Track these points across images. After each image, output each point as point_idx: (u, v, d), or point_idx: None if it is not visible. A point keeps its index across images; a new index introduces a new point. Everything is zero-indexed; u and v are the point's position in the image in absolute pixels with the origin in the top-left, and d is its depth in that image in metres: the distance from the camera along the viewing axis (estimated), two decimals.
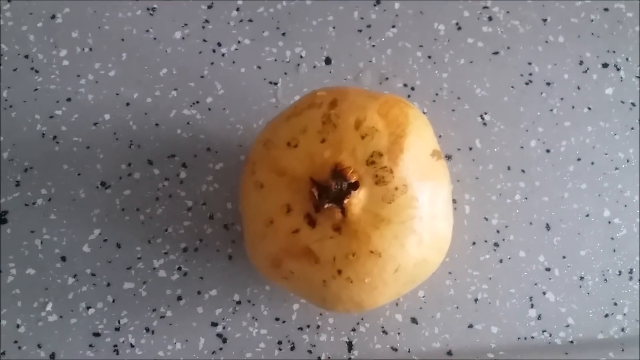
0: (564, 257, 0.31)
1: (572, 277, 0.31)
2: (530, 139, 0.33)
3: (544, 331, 0.30)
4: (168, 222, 0.31)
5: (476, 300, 0.30)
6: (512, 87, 0.33)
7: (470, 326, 0.30)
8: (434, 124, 0.30)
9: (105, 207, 0.31)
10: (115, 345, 0.30)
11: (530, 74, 0.34)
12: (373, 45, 0.34)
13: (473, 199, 0.32)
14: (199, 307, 0.30)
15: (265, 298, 0.30)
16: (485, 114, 0.33)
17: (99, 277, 0.30)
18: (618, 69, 0.34)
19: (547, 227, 0.31)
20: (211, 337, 0.30)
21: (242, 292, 0.30)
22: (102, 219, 0.31)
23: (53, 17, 0.34)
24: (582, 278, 0.31)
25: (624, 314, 0.30)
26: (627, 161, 0.32)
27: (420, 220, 0.23)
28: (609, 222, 0.31)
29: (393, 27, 0.34)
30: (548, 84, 0.33)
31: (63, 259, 0.31)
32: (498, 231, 0.31)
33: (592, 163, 0.32)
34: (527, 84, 0.33)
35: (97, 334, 0.30)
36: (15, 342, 0.30)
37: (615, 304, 0.30)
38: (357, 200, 0.22)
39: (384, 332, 0.30)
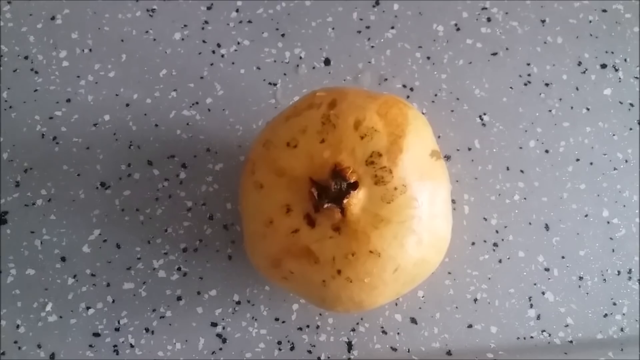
0: (563, 257, 0.31)
1: (571, 277, 0.31)
2: (529, 139, 0.33)
3: (543, 331, 0.30)
4: (168, 222, 0.31)
5: (475, 300, 0.30)
6: (511, 87, 0.33)
7: (470, 326, 0.30)
8: (433, 124, 0.30)
9: (105, 207, 0.31)
10: (115, 346, 0.30)
11: (529, 75, 0.34)
12: (372, 46, 0.34)
13: (472, 199, 0.32)
14: (199, 307, 0.30)
15: (264, 298, 0.30)
16: (484, 114, 0.33)
17: (98, 277, 0.30)
18: (616, 70, 0.34)
19: (546, 227, 0.31)
20: (211, 337, 0.30)
21: (241, 293, 0.30)
22: (102, 220, 0.31)
23: (53, 18, 0.34)
24: (581, 278, 0.31)
25: (623, 314, 0.30)
26: (626, 161, 0.32)
27: (420, 220, 0.23)
28: (608, 222, 0.32)
29: (392, 28, 0.34)
30: (547, 84, 0.33)
31: (63, 259, 0.31)
32: (497, 231, 0.31)
33: (591, 163, 0.32)
34: (525, 84, 0.33)
35: (97, 334, 0.30)
36: (15, 342, 0.30)
37: (615, 303, 0.31)
38: (357, 200, 0.22)
39: (384, 332, 0.30)
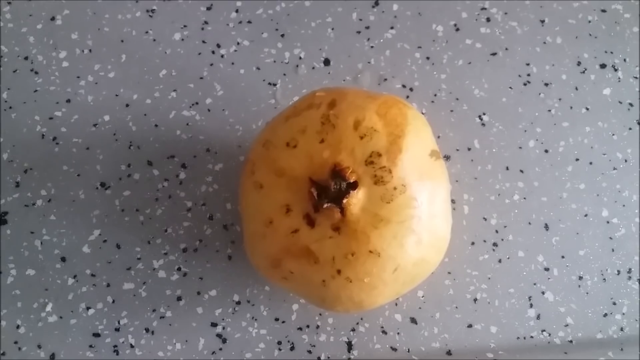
0: (562, 257, 0.31)
1: (571, 276, 0.31)
2: (528, 139, 0.33)
3: (543, 331, 0.30)
4: (168, 222, 0.31)
5: (475, 300, 0.30)
6: (511, 87, 0.33)
7: (470, 326, 0.30)
8: (433, 124, 0.30)
9: (105, 207, 0.31)
10: (115, 346, 0.30)
11: (529, 75, 0.34)
12: (372, 47, 0.34)
13: (472, 199, 0.32)
14: (199, 307, 0.30)
15: (264, 298, 0.30)
16: (484, 114, 0.33)
17: (98, 277, 0.31)
18: (616, 70, 0.34)
19: (546, 227, 0.31)
20: (211, 338, 0.30)
21: (241, 293, 0.30)
22: (102, 220, 0.31)
23: (53, 18, 0.34)
24: (581, 278, 0.31)
25: (623, 314, 0.30)
26: (625, 161, 0.32)
27: (419, 220, 0.23)
28: (608, 222, 0.32)
29: (391, 28, 0.34)
30: (546, 84, 0.34)
31: (63, 259, 0.31)
32: (497, 231, 0.31)
33: (591, 163, 0.32)
34: (525, 84, 0.33)
35: (97, 335, 0.30)
36: (15, 342, 0.30)
37: (614, 303, 0.31)
38: (356, 200, 0.22)
39: (384, 332, 0.30)
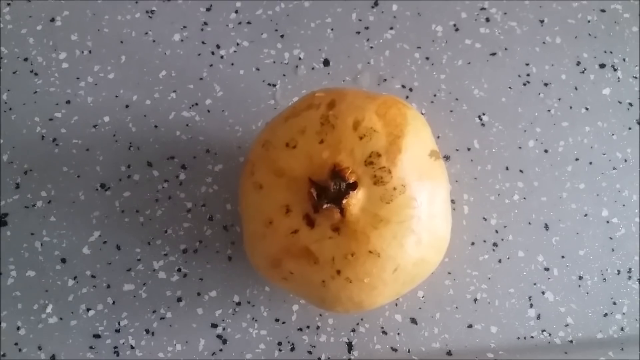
0: (562, 257, 0.31)
1: (571, 276, 0.31)
2: (528, 139, 0.33)
3: (543, 331, 0.30)
4: (168, 223, 0.31)
5: (475, 300, 0.30)
6: (510, 87, 0.33)
7: (470, 326, 0.30)
8: (432, 124, 0.30)
9: (105, 209, 0.31)
10: (115, 347, 0.30)
11: (528, 75, 0.34)
12: (371, 47, 0.34)
13: (472, 200, 0.32)
14: (199, 308, 0.30)
15: (265, 299, 0.30)
16: (484, 114, 0.33)
17: (98, 278, 0.31)
18: (615, 70, 0.34)
19: (546, 227, 0.31)
20: (211, 339, 0.30)
21: (241, 293, 0.30)
22: (102, 221, 0.31)
23: (52, 20, 0.34)
24: (581, 277, 0.31)
25: (623, 313, 0.30)
26: (625, 161, 0.32)
27: (419, 220, 0.23)
28: (608, 222, 0.32)
29: (391, 28, 0.34)
30: (546, 84, 0.34)
31: (63, 260, 0.31)
32: (497, 231, 0.31)
33: (590, 163, 0.32)
34: (524, 84, 0.33)
35: (97, 336, 0.30)
36: (16, 344, 0.30)
37: (615, 303, 0.31)
38: (356, 201, 0.22)
39: (384, 332, 0.30)
